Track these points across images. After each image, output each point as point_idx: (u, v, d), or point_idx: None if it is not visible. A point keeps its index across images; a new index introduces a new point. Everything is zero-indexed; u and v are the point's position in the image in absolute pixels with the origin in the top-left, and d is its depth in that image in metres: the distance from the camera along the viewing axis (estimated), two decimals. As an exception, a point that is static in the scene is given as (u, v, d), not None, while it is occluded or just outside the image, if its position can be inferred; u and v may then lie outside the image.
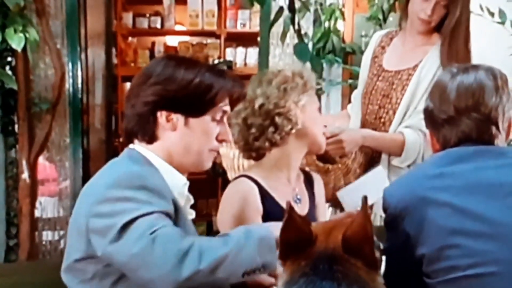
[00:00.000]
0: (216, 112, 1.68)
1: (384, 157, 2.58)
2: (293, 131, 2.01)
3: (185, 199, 1.73)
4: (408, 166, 2.52)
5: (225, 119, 1.72)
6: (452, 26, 2.44)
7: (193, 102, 1.64)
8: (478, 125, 1.64)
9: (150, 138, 1.66)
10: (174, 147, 1.66)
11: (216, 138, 1.71)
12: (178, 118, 1.64)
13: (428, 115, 1.74)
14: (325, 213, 2.33)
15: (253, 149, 2.07)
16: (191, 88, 1.63)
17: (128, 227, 1.42)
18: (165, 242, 1.40)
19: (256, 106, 1.98)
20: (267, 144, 2.02)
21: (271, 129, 1.99)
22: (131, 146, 1.69)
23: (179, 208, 1.61)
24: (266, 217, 1.94)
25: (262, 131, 2.01)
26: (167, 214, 1.50)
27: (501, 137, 1.66)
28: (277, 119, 1.98)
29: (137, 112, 1.65)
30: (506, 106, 1.65)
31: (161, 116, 1.63)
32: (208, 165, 1.74)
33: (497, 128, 1.64)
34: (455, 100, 1.65)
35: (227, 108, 1.72)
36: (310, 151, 2.16)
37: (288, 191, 2.08)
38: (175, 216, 1.56)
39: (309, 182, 2.21)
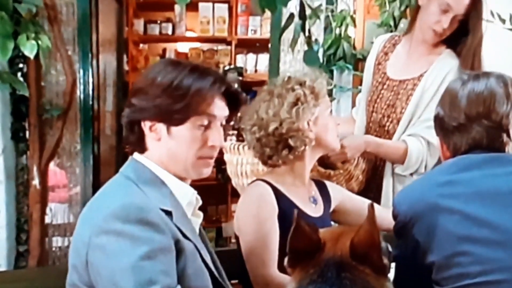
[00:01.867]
0: (200, 119, 1.59)
1: (388, 164, 2.57)
2: (307, 147, 2.02)
3: (193, 207, 1.70)
4: (411, 174, 2.51)
5: (217, 123, 1.63)
6: (474, 48, 2.42)
7: (169, 111, 1.55)
8: (489, 132, 1.63)
9: (140, 148, 1.63)
10: (162, 156, 1.61)
11: (206, 145, 1.62)
12: (160, 127, 1.58)
13: (439, 122, 1.73)
14: (362, 200, 2.27)
15: (268, 164, 2.09)
16: (165, 96, 1.55)
17: (125, 273, 1.38)
18: None
19: (270, 130, 1.99)
20: (280, 161, 2.04)
21: (285, 151, 2.01)
22: (134, 155, 1.66)
23: (184, 244, 1.54)
24: (282, 216, 1.95)
25: (276, 151, 2.02)
26: (167, 250, 1.46)
27: (512, 144, 1.66)
28: (290, 141, 1.99)
29: (124, 121, 1.63)
30: (517, 113, 1.64)
31: (145, 125, 1.59)
32: (203, 173, 1.66)
33: (508, 135, 1.63)
34: (466, 107, 1.64)
35: (216, 111, 1.61)
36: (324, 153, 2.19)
37: (303, 192, 2.10)
38: (181, 251, 1.52)
39: (321, 188, 2.21)
